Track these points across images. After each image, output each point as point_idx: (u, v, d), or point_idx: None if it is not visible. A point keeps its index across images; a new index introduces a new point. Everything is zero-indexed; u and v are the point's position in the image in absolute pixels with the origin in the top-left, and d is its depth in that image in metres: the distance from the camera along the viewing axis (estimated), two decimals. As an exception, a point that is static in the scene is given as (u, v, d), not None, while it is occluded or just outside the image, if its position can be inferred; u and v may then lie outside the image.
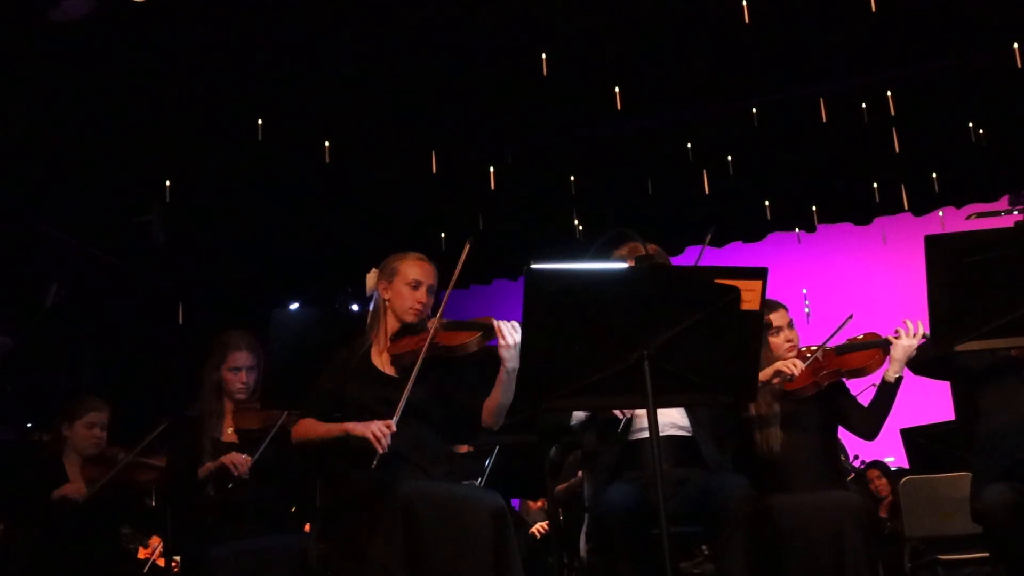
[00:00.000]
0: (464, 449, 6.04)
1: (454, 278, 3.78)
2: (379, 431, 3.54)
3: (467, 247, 3.74)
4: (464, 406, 3.83)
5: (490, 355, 3.73)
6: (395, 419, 3.60)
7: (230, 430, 4.46)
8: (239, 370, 4.52)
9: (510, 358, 3.59)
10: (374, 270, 3.99)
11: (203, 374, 4.56)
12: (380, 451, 3.52)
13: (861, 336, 4.41)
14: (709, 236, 4.25)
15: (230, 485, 4.26)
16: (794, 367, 4.12)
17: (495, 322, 3.64)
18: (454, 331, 3.76)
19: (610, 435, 3.99)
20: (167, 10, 6.03)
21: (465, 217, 8.59)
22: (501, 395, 3.69)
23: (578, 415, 4.09)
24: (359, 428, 3.59)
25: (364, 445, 3.55)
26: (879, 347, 4.28)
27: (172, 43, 6.40)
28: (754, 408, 4.23)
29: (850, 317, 4.37)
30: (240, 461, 4.26)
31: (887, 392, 4.24)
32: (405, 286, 3.86)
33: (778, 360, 4.30)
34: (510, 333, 3.60)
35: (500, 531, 3.47)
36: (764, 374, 4.12)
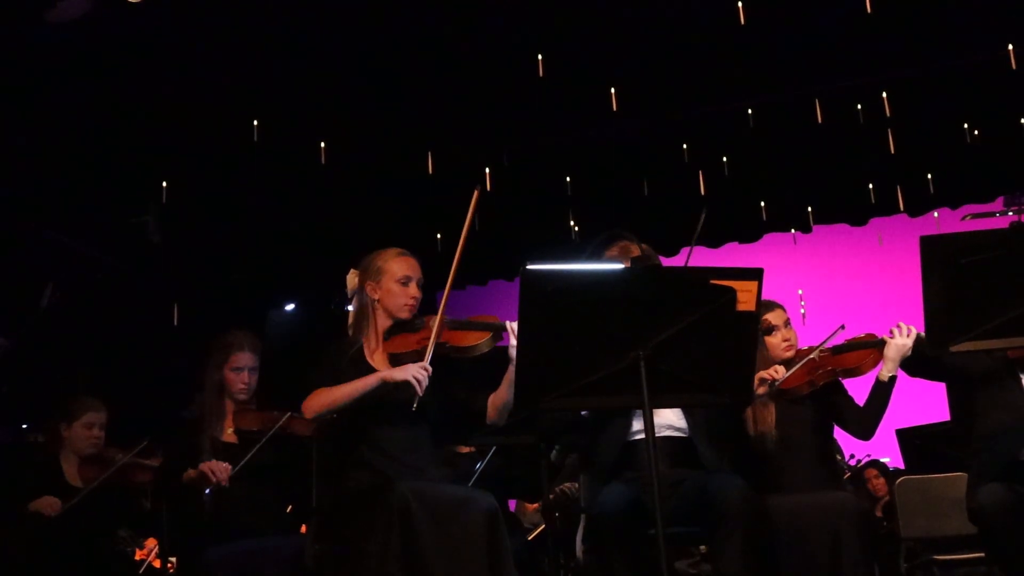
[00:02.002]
0: (465, 449, 6.04)
1: (464, 232, 3.74)
2: (419, 373, 3.55)
3: (475, 195, 3.74)
4: (467, 404, 3.84)
5: (491, 353, 3.73)
6: (427, 359, 3.61)
7: (230, 430, 4.46)
8: (241, 370, 4.52)
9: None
10: (353, 271, 3.97)
11: (204, 373, 4.55)
12: (419, 393, 3.54)
13: (858, 337, 4.41)
14: (702, 219, 4.22)
15: (207, 491, 4.22)
16: (775, 373, 4.13)
17: (508, 324, 3.64)
18: (463, 331, 3.75)
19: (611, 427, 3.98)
20: (164, 11, 6.03)
21: (461, 218, 8.57)
22: (508, 392, 3.70)
23: None
24: (397, 373, 3.59)
25: (400, 391, 3.56)
26: (874, 347, 4.28)
27: (168, 44, 6.39)
28: (750, 409, 4.23)
29: (841, 327, 4.37)
30: (219, 469, 4.22)
31: (881, 391, 4.24)
32: (395, 284, 3.84)
33: (775, 360, 4.31)
34: None
35: (494, 532, 3.48)
36: None
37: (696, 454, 3.91)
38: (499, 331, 3.70)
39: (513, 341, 3.60)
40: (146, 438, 4.62)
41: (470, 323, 3.78)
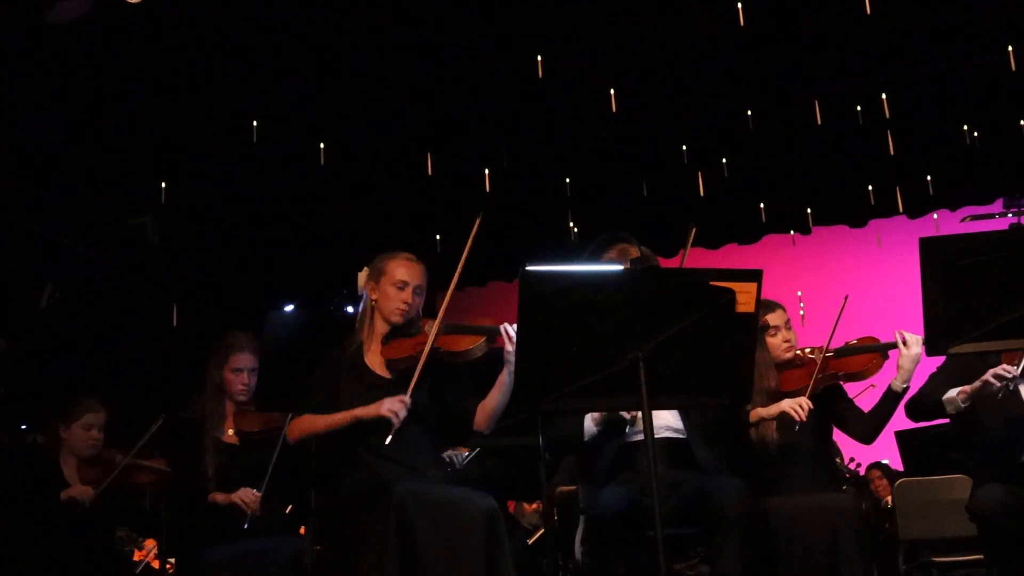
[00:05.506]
0: (463, 450, 6.03)
1: (464, 254, 3.72)
2: (394, 406, 3.58)
3: (477, 222, 3.76)
4: (458, 409, 3.82)
5: (484, 356, 3.72)
6: (408, 393, 3.62)
7: (231, 431, 4.47)
8: (241, 371, 4.53)
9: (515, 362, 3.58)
10: (365, 268, 3.98)
11: (206, 374, 4.56)
12: (396, 425, 3.56)
13: (857, 340, 4.39)
14: (692, 232, 4.24)
15: (245, 525, 4.27)
16: (801, 410, 4.05)
17: (502, 327, 3.63)
18: (457, 335, 3.73)
19: (612, 435, 3.97)
20: (162, 12, 6.03)
21: (460, 219, 8.57)
22: (499, 398, 3.70)
23: (590, 429, 4.05)
24: (371, 410, 3.62)
25: (378, 424, 3.58)
26: (877, 351, 4.26)
27: (167, 45, 6.39)
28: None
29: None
30: (251, 499, 4.28)
31: (891, 401, 4.19)
32: (391, 286, 3.84)
33: (775, 361, 4.30)
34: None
35: (493, 532, 3.48)
36: (768, 411, 4.12)
37: (693, 455, 3.91)
38: (493, 335, 3.68)
39: (509, 347, 3.59)
40: (163, 416, 4.64)
41: (465, 327, 3.76)
